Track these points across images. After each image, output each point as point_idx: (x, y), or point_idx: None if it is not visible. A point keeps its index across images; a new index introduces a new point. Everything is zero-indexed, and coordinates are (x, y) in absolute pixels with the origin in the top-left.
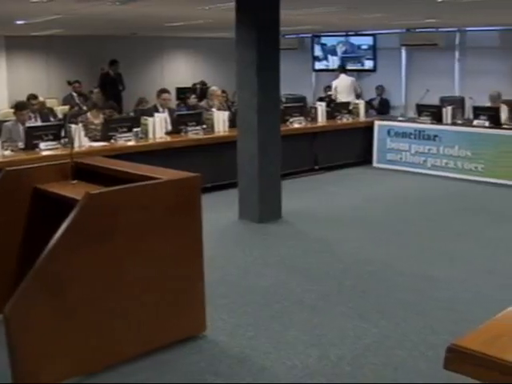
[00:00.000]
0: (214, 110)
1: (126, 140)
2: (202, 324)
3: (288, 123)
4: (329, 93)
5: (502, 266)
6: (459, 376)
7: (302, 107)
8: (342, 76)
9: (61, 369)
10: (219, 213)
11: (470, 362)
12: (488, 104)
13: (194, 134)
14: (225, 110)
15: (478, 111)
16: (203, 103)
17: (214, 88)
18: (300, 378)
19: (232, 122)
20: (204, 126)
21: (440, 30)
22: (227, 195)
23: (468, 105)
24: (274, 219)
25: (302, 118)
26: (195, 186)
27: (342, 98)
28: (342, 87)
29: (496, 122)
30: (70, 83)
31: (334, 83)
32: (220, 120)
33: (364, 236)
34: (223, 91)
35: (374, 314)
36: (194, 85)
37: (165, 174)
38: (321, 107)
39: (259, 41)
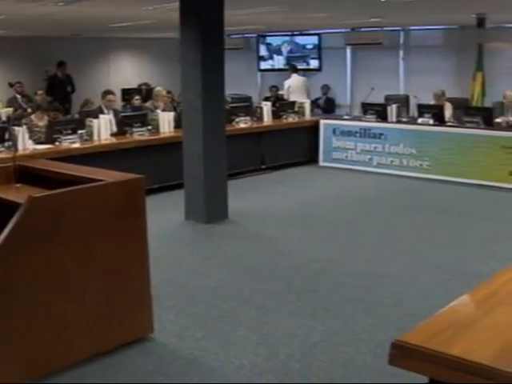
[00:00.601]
0: (159, 110)
1: (71, 142)
2: (149, 326)
3: (234, 123)
4: (280, 92)
5: (447, 262)
6: (405, 371)
7: (248, 107)
8: (295, 76)
9: (8, 371)
10: (166, 214)
11: (414, 357)
12: (432, 102)
13: (140, 135)
14: (170, 111)
15: (422, 109)
16: (148, 104)
17: (158, 89)
18: (249, 378)
19: (177, 123)
20: (149, 127)
21: (384, 29)
22: (174, 196)
23: (413, 103)
24: (220, 219)
25: (247, 117)
26: (139, 187)
27: (295, 97)
28: (295, 87)
29: (440, 120)
30: (11, 85)
31: (287, 83)
32: (165, 121)
33: (311, 235)
34: (168, 92)
35: (322, 312)
36: (140, 86)
37: (109, 175)
38: (266, 107)
39: (203, 41)
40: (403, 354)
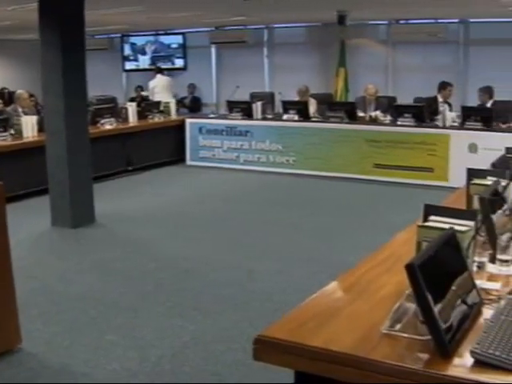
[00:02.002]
0: (21, 114)
1: None
2: (17, 337)
3: (99, 125)
4: (143, 93)
5: (316, 254)
6: (269, 366)
7: (113, 108)
8: (159, 76)
9: None
10: (31, 220)
11: (276, 350)
12: (297, 98)
13: (2, 140)
14: (33, 115)
15: (287, 106)
16: (10, 108)
17: (20, 92)
18: (121, 381)
19: (41, 127)
20: (12, 132)
21: (248, 27)
22: (39, 202)
23: (277, 100)
24: (87, 223)
25: (112, 119)
26: None
27: (160, 98)
28: (160, 87)
29: (305, 116)
30: None
31: (152, 83)
32: (28, 125)
33: (180, 234)
34: (31, 95)
35: (192, 311)
36: (2, 89)
37: None
38: (131, 107)
39: (64, 42)
40: (266, 349)
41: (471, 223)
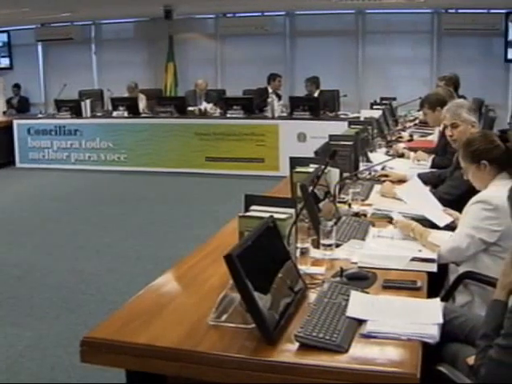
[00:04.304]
0: None
1: None
2: None
3: None
4: None
5: (149, 251)
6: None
7: None
8: None
9: None
10: None
11: (103, 351)
12: (126, 94)
13: None
14: None
15: (116, 102)
16: None
17: None
18: None
19: None
20: None
21: (75, 23)
22: None
23: (107, 97)
24: None
25: None
26: None
27: None
28: None
29: (134, 112)
30: None
31: None
32: None
33: (8, 240)
34: None
35: (26, 317)
36: None
37: None
38: None
39: None
40: (93, 350)
41: (292, 210)
